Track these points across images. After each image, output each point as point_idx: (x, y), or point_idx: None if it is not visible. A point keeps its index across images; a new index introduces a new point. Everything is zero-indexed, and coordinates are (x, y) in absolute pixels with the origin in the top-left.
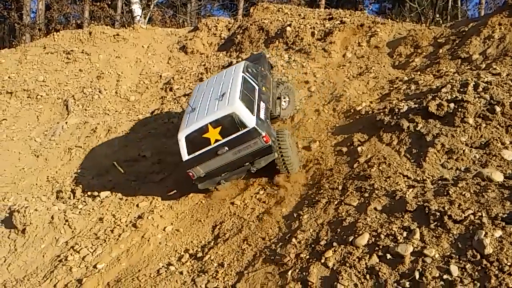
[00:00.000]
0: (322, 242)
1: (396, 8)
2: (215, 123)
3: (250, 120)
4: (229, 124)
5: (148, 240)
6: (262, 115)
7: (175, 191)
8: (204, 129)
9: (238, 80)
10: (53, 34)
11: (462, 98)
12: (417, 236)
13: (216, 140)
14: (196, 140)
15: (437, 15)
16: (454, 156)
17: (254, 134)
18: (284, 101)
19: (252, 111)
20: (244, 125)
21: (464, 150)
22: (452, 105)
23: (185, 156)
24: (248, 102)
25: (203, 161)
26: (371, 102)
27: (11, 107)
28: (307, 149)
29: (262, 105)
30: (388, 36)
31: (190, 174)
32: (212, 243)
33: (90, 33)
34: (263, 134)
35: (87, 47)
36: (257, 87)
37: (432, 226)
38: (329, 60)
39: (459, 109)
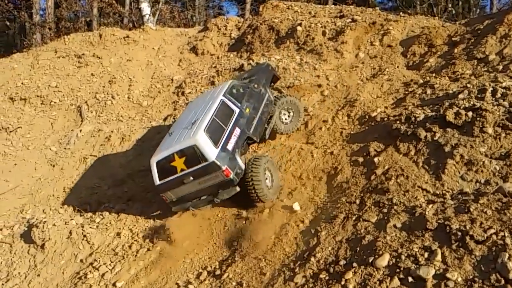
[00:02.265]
0: (341, 262)
1: None
2: (180, 153)
3: (211, 153)
4: (191, 155)
5: (166, 257)
6: (230, 145)
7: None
8: (171, 158)
9: (214, 105)
10: (64, 38)
11: (480, 106)
12: (439, 257)
13: (182, 170)
14: (166, 167)
15: (449, 5)
16: (473, 168)
17: (214, 167)
18: (288, 116)
19: (216, 142)
20: (204, 158)
21: (483, 162)
22: (470, 113)
23: (156, 181)
24: (216, 132)
25: (172, 187)
26: (386, 108)
27: (26, 114)
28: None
29: (237, 131)
30: (401, 34)
31: (164, 198)
32: (230, 260)
33: (100, 35)
34: (223, 168)
35: (98, 50)
36: (237, 110)
37: (453, 246)
38: (342, 61)
39: (478, 118)
